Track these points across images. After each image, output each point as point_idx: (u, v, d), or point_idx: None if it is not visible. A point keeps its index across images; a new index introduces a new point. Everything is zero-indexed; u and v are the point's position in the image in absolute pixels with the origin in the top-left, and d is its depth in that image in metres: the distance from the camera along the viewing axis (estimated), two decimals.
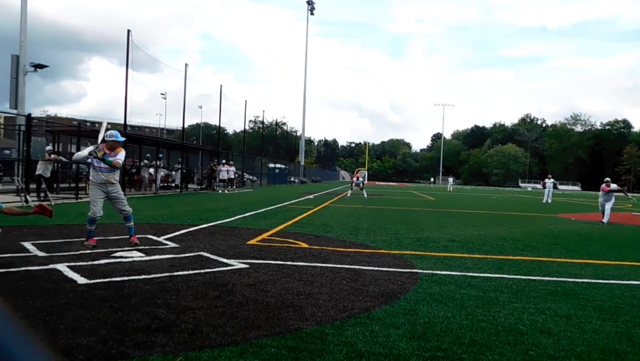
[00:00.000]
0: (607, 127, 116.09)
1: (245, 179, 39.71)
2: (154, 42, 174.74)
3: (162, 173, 25.79)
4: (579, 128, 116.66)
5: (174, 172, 28.08)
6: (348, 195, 26.29)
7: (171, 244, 7.61)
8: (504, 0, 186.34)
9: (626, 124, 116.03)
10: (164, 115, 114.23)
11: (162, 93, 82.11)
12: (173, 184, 27.51)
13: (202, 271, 5.77)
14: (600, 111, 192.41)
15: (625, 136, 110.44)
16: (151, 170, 24.75)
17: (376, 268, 6.40)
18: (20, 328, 0.73)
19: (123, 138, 7.61)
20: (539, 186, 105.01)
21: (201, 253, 6.94)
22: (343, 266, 6.46)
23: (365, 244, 8.62)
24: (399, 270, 6.42)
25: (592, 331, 4.05)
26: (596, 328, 4.14)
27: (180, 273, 5.61)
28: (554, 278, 6.23)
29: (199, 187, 30.44)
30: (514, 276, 6.21)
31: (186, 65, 26.85)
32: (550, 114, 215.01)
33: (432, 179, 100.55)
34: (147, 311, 4.10)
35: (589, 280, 6.18)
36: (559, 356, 3.46)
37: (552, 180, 30.06)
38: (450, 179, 59.19)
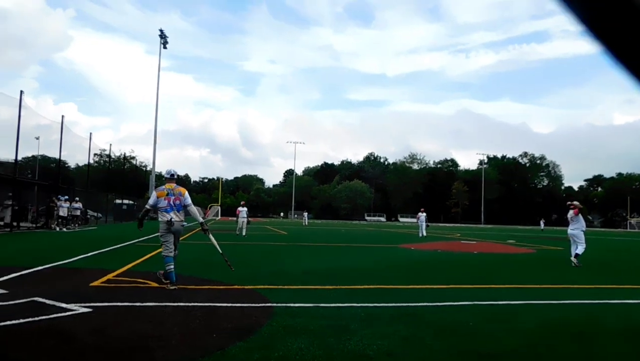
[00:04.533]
0: (438, 165, 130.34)
1: (89, 216, 36.84)
2: None
3: None
4: (415, 166, 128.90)
5: (2, 209, 25.05)
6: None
7: None
8: (349, 49, 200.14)
9: (454, 163, 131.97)
10: None
11: None
12: (2, 223, 24.49)
13: (37, 318, 5.20)
14: (433, 151, 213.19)
15: (454, 173, 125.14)
16: None
17: (230, 305, 6.33)
18: None
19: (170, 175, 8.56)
20: (383, 219, 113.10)
21: (35, 298, 6.25)
22: (196, 304, 6.28)
23: (218, 280, 8.48)
24: (254, 304, 6.42)
25: (428, 349, 4.45)
26: (430, 346, 4.55)
27: (8, 322, 4.99)
28: (398, 304, 6.71)
29: (34, 225, 27.53)
30: (363, 304, 6.57)
31: (21, 92, 24.42)
32: (391, 153, 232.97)
33: (282, 214, 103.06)
34: None
35: (426, 303, 6.77)
36: None
37: (424, 214, 28.82)
38: (306, 214, 60.74)
